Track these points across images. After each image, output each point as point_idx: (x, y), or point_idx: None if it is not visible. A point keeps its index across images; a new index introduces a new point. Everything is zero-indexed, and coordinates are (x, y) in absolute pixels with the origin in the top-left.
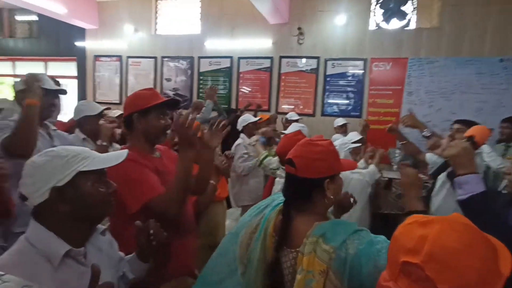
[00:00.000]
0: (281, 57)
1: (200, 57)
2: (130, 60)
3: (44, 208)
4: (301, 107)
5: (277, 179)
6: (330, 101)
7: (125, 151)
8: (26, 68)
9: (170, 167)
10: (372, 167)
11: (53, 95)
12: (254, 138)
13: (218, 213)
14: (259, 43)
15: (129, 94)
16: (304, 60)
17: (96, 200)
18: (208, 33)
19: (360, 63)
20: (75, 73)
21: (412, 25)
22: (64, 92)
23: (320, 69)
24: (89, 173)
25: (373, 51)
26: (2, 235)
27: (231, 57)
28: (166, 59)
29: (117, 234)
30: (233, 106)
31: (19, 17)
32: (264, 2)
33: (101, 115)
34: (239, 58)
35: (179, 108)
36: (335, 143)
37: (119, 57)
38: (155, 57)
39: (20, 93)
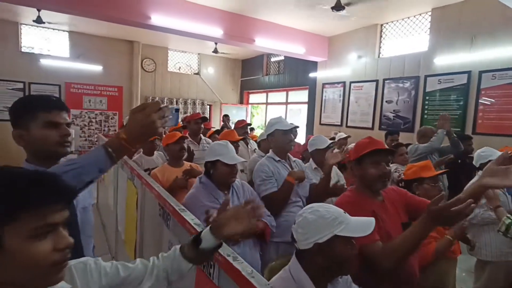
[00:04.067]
0: None
1: (427, 76)
2: (353, 85)
3: (305, 254)
4: None
5: None
6: None
7: (373, 221)
8: (274, 97)
9: (392, 211)
10: None
11: (289, 131)
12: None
13: (448, 266)
14: None
15: (350, 116)
16: None
17: (345, 260)
18: (438, 48)
19: None
20: (306, 99)
21: None
22: (297, 127)
23: None
24: (343, 236)
25: None
26: (260, 244)
27: (469, 72)
28: (388, 80)
29: None
30: (468, 131)
31: (273, 59)
32: None
33: (329, 147)
34: (481, 72)
35: (400, 131)
36: None
37: (343, 83)
38: (376, 80)
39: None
